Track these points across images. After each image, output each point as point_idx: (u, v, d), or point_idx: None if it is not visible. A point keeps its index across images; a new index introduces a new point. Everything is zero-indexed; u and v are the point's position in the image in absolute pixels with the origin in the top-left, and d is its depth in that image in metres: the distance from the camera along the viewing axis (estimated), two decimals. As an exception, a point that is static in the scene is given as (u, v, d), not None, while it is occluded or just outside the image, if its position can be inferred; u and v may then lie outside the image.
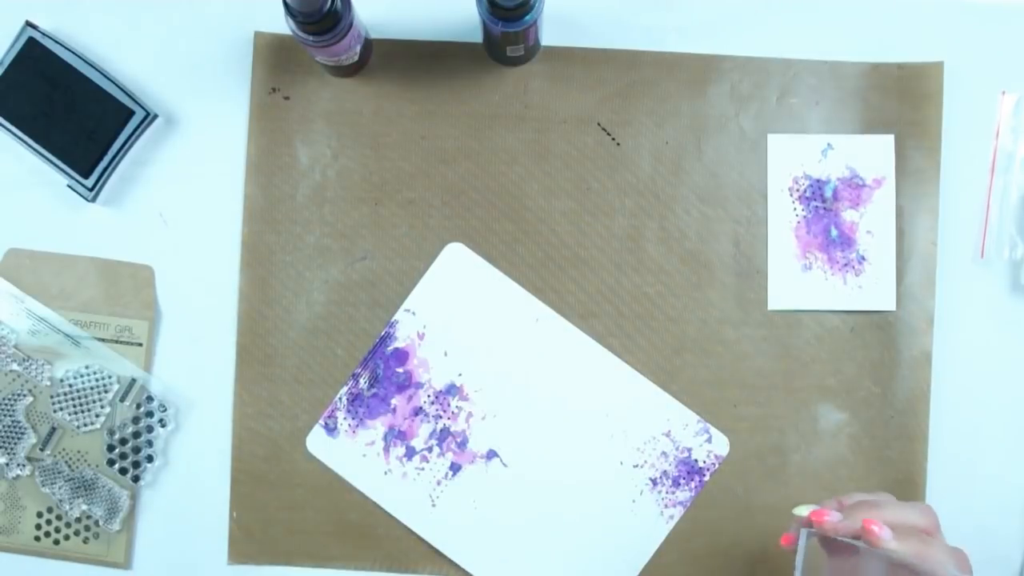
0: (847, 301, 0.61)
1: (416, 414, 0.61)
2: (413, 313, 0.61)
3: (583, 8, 0.62)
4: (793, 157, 0.62)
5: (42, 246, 0.62)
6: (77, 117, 0.60)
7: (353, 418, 0.61)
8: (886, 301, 0.61)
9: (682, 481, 0.61)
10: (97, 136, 0.60)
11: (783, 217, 0.61)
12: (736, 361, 0.61)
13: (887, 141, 0.61)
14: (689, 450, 0.61)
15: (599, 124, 0.62)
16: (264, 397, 0.62)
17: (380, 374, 0.61)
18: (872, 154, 0.61)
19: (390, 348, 0.61)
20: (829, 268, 0.61)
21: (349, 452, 0.61)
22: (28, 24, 0.60)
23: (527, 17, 0.54)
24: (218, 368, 0.62)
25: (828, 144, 0.61)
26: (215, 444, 0.62)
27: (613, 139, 0.62)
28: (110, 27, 0.62)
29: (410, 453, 0.61)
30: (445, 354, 0.61)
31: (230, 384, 0.62)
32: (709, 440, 0.61)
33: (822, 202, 0.61)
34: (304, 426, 0.62)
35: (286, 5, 0.52)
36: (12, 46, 0.60)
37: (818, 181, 0.61)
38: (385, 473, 0.61)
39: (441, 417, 0.61)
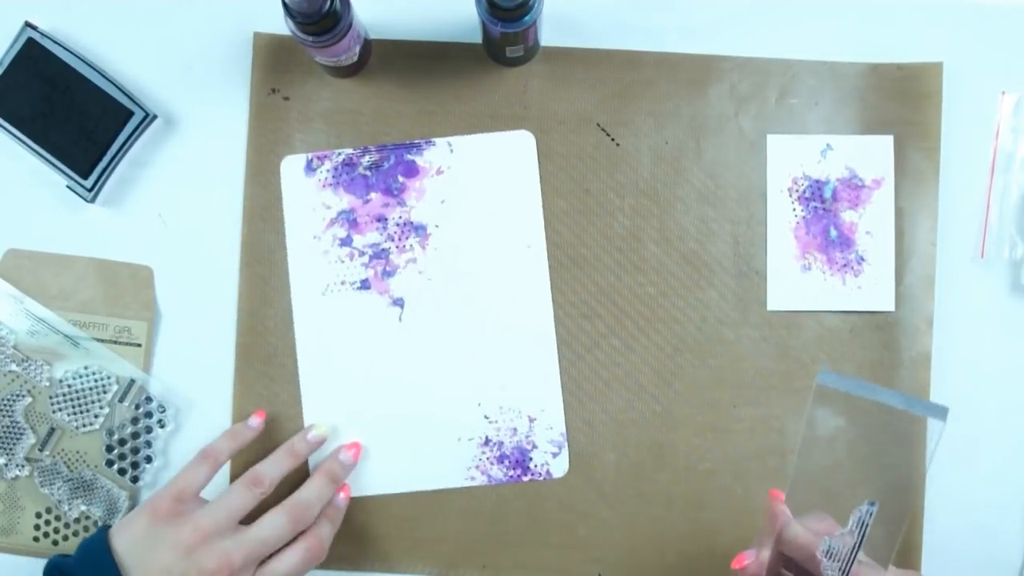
0: (846, 302, 0.61)
1: (378, 220, 0.61)
2: (451, 151, 0.61)
3: (582, 8, 0.62)
4: (792, 158, 0.62)
5: (41, 246, 0.62)
6: (76, 118, 0.60)
7: (333, 177, 0.61)
8: (885, 302, 0.61)
9: (506, 463, 0.61)
10: (96, 136, 0.60)
11: (782, 218, 0.61)
12: (735, 361, 0.61)
13: (886, 142, 0.61)
14: (534, 446, 0.61)
15: (598, 124, 0.62)
16: (264, 397, 0.62)
17: (384, 167, 0.61)
18: (871, 155, 0.61)
19: (409, 157, 0.61)
20: (828, 269, 0.61)
21: (304, 196, 0.61)
22: (27, 25, 0.60)
23: (526, 18, 0.54)
24: (218, 368, 0.62)
25: (827, 145, 0.61)
26: (214, 444, 0.62)
27: (612, 139, 0.62)
28: (110, 28, 0.62)
29: (345, 242, 0.61)
30: (442, 201, 0.61)
31: (230, 384, 0.62)
32: (555, 455, 0.61)
33: (821, 203, 0.61)
34: (302, 427, 0.61)
35: (285, 6, 0.52)
36: (11, 47, 0.60)
37: (817, 182, 0.61)
38: (314, 237, 0.61)
39: (392, 240, 0.61)
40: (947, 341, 0.61)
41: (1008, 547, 0.61)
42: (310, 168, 0.61)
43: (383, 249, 0.61)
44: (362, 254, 0.61)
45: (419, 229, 0.61)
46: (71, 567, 0.52)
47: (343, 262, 0.61)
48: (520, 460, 0.61)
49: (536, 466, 0.61)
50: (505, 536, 0.61)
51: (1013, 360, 0.62)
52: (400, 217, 0.61)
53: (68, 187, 0.60)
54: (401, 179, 0.61)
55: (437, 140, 0.61)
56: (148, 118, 0.60)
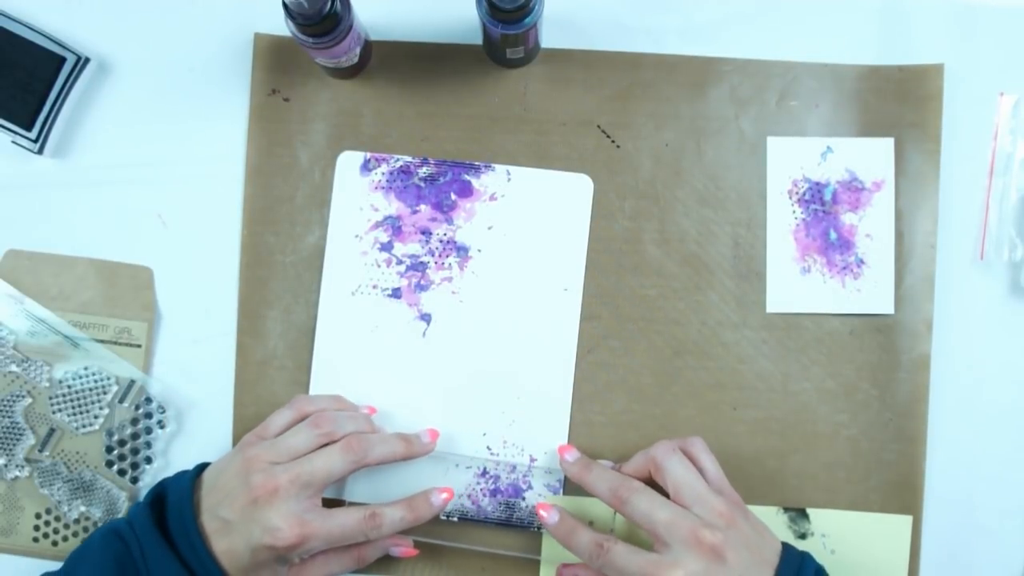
0: (846, 304, 0.61)
1: (422, 233, 0.61)
2: (509, 179, 0.61)
3: (583, 10, 0.62)
4: (792, 160, 0.62)
5: (41, 247, 0.62)
6: (9, 72, 0.59)
7: (388, 182, 0.61)
8: (885, 304, 0.61)
9: (499, 498, 0.60)
10: (33, 87, 0.59)
11: (782, 220, 0.61)
12: (735, 363, 0.61)
13: (887, 144, 0.61)
14: (530, 487, 0.60)
15: (599, 126, 0.62)
16: (264, 398, 0.62)
17: (439, 181, 0.61)
18: (872, 157, 0.61)
19: (465, 177, 0.61)
20: (828, 271, 0.61)
21: (355, 194, 0.61)
22: None
23: (527, 19, 0.54)
24: (218, 369, 0.62)
25: (828, 147, 0.61)
26: (214, 445, 0.62)
27: (613, 141, 0.62)
28: (110, 28, 0.62)
29: (386, 248, 0.61)
30: (489, 228, 0.61)
31: (230, 385, 0.62)
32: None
33: (821, 205, 0.61)
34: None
35: (286, 7, 0.52)
36: None
37: (817, 184, 0.61)
38: (356, 236, 0.61)
39: (432, 256, 0.61)
40: (947, 343, 0.61)
41: (1009, 549, 0.61)
42: (366, 168, 0.61)
43: (421, 262, 0.61)
44: (400, 263, 0.61)
45: (461, 250, 0.61)
46: (168, 484, 0.56)
47: (379, 266, 0.61)
48: (507, 501, 0.60)
49: (523, 506, 0.60)
50: (505, 537, 0.61)
51: (1013, 362, 0.62)
52: (445, 234, 0.61)
53: (14, 143, 0.60)
54: (454, 197, 0.61)
55: (497, 166, 0.61)
56: (81, 61, 0.60)
